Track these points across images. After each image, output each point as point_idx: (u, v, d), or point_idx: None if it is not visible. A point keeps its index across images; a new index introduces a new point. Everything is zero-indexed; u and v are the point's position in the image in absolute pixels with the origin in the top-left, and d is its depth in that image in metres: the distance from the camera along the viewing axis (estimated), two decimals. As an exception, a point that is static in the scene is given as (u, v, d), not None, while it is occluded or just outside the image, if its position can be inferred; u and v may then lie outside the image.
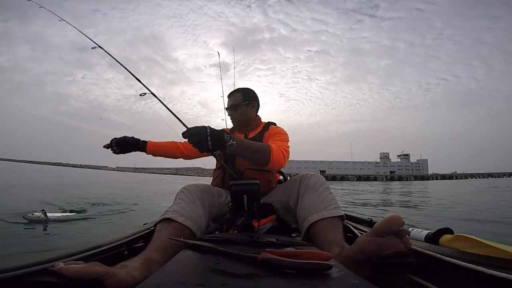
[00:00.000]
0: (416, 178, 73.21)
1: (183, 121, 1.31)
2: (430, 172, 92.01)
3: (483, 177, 79.63)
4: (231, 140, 1.01)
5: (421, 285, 0.63)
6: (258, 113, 1.48)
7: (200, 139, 0.96)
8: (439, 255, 0.64)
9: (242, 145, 1.06)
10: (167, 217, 0.91)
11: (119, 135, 1.39)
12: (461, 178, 76.45)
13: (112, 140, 1.36)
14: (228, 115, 1.46)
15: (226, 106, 1.48)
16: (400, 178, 71.40)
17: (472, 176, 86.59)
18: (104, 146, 1.35)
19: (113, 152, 1.36)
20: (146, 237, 1.05)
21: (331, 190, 1.05)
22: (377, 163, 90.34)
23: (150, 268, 0.68)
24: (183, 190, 1.06)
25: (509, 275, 0.50)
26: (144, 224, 1.38)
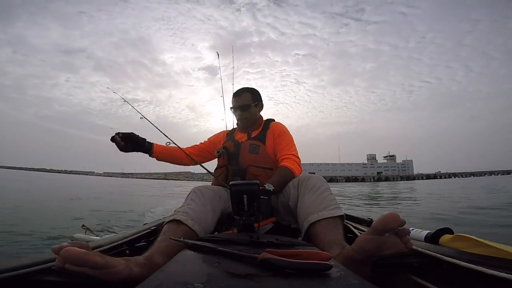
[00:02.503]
0: (402, 178, 75.07)
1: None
2: (415, 172, 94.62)
3: (466, 176, 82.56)
4: (270, 189, 1.07)
5: (421, 285, 0.63)
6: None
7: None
8: (439, 255, 0.64)
9: (278, 185, 1.13)
10: (177, 218, 0.89)
11: (105, 140, 1.23)
12: (445, 178, 79.01)
13: (118, 133, 1.20)
14: (237, 115, 1.40)
15: (234, 105, 1.40)
16: (387, 179, 73.09)
17: (455, 175, 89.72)
18: (111, 139, 1.20)
19: (119, 148, 1.21)
20: (148, 236, 1.04)
21: (331, 190, 1.05)
22: (365, 164, 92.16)
23: (152, 269, 0.65)
24: (196, 190, 1.04)
25: (509, 275, 0.50)
26: (144, 224, 1.35)
